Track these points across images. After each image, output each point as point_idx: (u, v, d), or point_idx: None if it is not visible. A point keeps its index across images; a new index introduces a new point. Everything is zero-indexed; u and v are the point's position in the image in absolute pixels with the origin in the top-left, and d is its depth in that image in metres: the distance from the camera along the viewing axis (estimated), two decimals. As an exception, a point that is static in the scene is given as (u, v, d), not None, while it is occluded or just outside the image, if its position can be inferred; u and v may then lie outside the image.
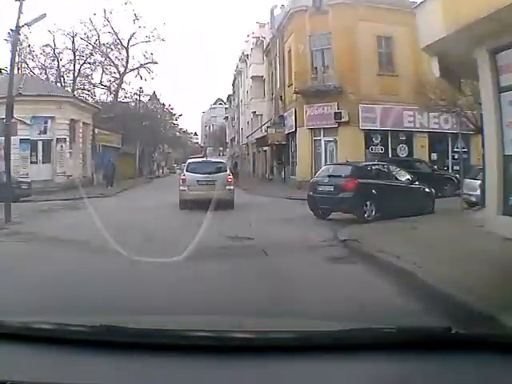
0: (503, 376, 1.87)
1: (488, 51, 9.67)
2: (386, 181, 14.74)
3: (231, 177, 19.03)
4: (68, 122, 30.85)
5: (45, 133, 29.95)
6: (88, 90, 47.14)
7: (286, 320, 3.32)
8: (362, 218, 13.45)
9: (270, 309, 5.03)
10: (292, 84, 30.40)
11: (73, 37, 43.61)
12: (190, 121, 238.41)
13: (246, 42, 50.38)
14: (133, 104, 50.12)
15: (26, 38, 38.33)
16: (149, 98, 54.97)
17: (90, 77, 46.72)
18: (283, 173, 33.97)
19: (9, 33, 25.55)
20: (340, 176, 14.57)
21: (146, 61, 46.47)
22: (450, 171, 26.17)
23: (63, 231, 12.34)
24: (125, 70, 46.53)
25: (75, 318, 2.63)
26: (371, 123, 27.31)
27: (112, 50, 45.50)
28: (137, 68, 46.75)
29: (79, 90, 45.52)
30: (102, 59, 45.85)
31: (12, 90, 15.50)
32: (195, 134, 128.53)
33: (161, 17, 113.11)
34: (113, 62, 46.15)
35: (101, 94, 48.15)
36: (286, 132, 31.84)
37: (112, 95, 46.88)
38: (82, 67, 45.56)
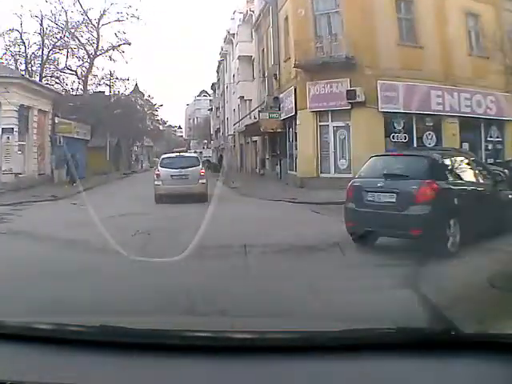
0: (503, 376, 1.87)
1: None
2: (470, 183, 9.30)
3: (203, 170, 19.65)
4: (17, 109, 24.97)
5: (-16, 121, 24.29)
6: (57, 78, 41.26)
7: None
8: (443, 250, 7.98)
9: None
10: (290, 58, 24.90)
11: (41, 19, 37.96)
12: (174, 114, 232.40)
13: (232, 19, 44.62)
14: (106, 93, 44.24)
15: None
16: (131, 90, 50.15)
17: (57, 62, 40.76)
18: (278, 167, 28.39)
19: None
20: (405, 177, 8.79)
21: (119, 42, 40.61)
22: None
23: None
24: (95, 52, 40.58)
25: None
26: (392, 104, 21.80)
27: (81, 31, 39.67)
28: (109, 49, 40.76)
29: (48, 78, 39.97)
30: (71, 41, 39.96)
31: None
32: (179, 127, 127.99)
33: None
34: (81, 44, 40.10)
35: (72, 82, 42.30)
36: (283, 117, 26.27)
37: (81, 81, 40.88)
38: (51, 52, 39.72)
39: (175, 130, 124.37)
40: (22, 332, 2.20)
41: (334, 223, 10.91)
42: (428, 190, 8.21)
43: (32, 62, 39.52)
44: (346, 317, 4.04)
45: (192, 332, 2.23)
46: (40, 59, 39.20)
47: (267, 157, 32.09)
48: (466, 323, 2.30)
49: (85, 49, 39.89)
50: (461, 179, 9.11)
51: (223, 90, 55.86)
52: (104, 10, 40.08)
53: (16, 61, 39.00)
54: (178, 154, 24.44)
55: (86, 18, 39.55)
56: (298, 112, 23.74)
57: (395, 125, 21.99)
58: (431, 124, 22.38)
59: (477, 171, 9.73)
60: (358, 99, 21.54)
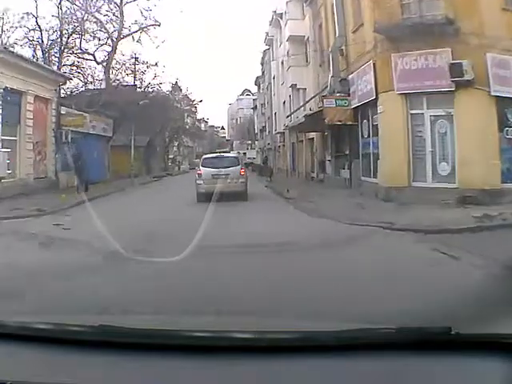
0: (503, 376, 1.82)
1: None
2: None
3: (244, 170, 20.30)
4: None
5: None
6: (77, 67, 35.54)
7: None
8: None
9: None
10: (363, 25, 18.37)
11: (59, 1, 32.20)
12: (217, 115, 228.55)
13: (279, -4, 38.05)
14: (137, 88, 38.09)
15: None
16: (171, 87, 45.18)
17: (77, 47, 34.88)
18: (346, 171, 21.60)
19: None
20: None
21: (147, 23, 34.51)
22: None
23: None
24: (119, 34, 34.59)
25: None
26: (506, 87, 15.11)
27: (103, 13, 33.72)
28: (136, 31, 34.67)
29: (67, 67, 34.47)
30: (92, 24, 34.09)
31: None
32: (222, 128, 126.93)
33: None
34: (102, 24, 34.11)
35: (93, 71, 36.27)
36: (355, 105, 19.60)
37: (102, 68, 34.93)
38: (71, 38, 33.99)
39: (218, 131, 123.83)
40: (22, 332, 2.15)
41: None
42: None
43: (50, 51, 33.88)
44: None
45: (192, 332, 2.18)
46: (59, 45, 33.56)
47: (328, 158, 25.43)
48: (466, 323, 2.29)
49: (106, 30, 33.83)
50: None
51: (269, 83, 49.25)
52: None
53: (35, 49, 33.50)
54: (218, 154, 24.60)
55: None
56: (380, 96, 17.04)
57: (509, 116, 15.25)
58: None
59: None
60: (466, 77, 14.80)
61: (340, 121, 19.65)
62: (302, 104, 29.10)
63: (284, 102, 38.43)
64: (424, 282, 6.40)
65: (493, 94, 14.93)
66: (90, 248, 8.91)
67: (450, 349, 1.93)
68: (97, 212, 13.55)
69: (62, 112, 24.52)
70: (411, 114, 16.24)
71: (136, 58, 34.43)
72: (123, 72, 35.71)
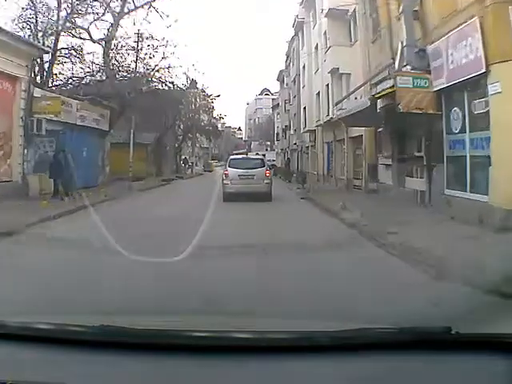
0: (503, 376, 1.81)
1: None
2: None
3: (269, 171, 20.87)
4: None
5: None
6: (75, 50, 29.91)
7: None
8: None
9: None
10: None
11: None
12: (233, 116, 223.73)
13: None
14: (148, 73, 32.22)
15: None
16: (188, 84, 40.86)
17: (76, 31, 29.23)
18: (423, 181, 15.46)
19: None
20: None
21: None
22: None
23: None
24: (121, 9, 28.77)
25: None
26: None
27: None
28: (142, 6, 28.85)
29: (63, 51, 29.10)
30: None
31: None
32: (239, 128, 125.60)
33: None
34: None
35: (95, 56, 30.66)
36: (440, 86, 13.52)
37: (101, 48, 29.13)
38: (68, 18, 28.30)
39: (235, 132, 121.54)
40: (22, 332, 2.13)
41: None
42: None
43: (45, 33, 28.38)
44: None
45: (192, 332, 2.17)
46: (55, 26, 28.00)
47: (382, 161, 19.44)
48: (465, 323, 2.28)
49: (108, 5, 28.05)
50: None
51: (297, 74, 43.02)
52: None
53: (32, 31, 28.01)
54: (244, 155, 26.02)
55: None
56: (492, 68, 11.06)
57: None
58: None
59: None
60: None
61: (419, 108, 13.52)
62: (349, 93, 22.95)
63: (318, 93, 32.24)
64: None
65: None
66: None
67: (450, 349, 1.92)
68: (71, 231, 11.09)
69: (36, 95, 18.63)
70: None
71: (140, 35, 28.44)
72: (125, 54, 29.89)
